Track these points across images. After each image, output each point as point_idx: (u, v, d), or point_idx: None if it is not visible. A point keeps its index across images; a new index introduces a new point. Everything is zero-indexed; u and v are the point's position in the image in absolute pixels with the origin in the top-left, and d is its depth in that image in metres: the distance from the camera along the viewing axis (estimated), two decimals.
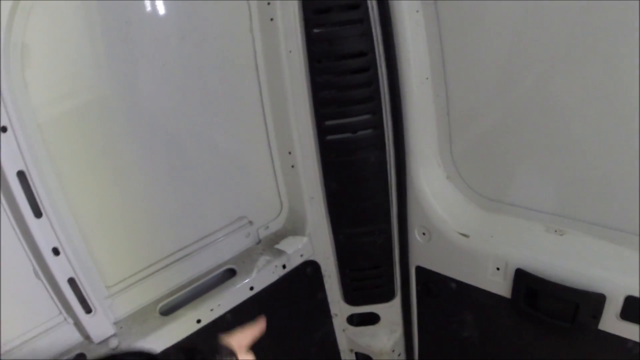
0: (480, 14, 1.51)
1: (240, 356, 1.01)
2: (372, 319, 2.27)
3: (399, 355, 2.36)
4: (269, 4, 1.62)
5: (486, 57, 1.57)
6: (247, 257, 1.86)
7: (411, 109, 1.69)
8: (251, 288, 1.79)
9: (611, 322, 1.55)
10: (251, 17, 1.65)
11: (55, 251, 1.29)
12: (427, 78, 1.67)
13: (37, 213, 1.25)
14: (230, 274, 1.82)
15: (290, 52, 1.66)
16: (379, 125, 1.75)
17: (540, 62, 1.47)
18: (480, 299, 1.83)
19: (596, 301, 1.53)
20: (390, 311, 2.19)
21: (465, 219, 1.80)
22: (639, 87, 1.30)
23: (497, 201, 1.77)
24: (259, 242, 1.92)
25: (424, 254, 1.93)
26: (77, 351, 1.46)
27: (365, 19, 1.59)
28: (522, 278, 1.66)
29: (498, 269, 1.72)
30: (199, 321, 1.66)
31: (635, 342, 1.54)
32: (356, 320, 2.31)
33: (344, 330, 2.31)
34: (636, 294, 1.47)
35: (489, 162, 1.74)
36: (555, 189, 1.66)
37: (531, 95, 1.53)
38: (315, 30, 1.62)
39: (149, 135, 1.55)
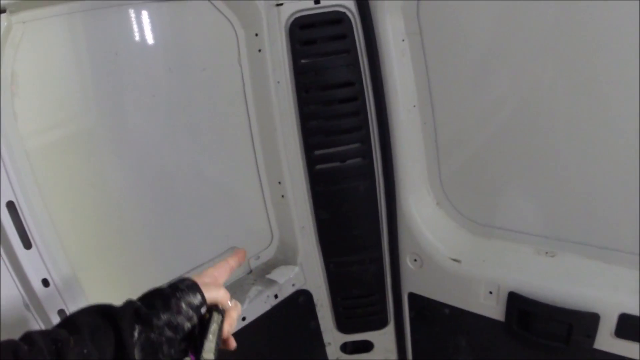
0: (465, 44, 1.55)
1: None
2: (365, 347, 2.25)
3: None
4: (256, 35, 1.64)
5: (472, 85, 1.60)
6: (239, 288, 1.84)
7: (399, 137, 1.72)
8: (243, 319, 1.77)
9: (606, 341, 1.55)
10: (239, 49, 1.68)
11: (45, 282, 1.27)
12: (414, 106, 1.70)
13: (27, 244, 1.23)
14: None
15: (278, 82, 1.68)
16: (367, 154, 1.76)
17: (523, 88, 1.50)
18: (474, 324, 1.82)
19: (590, 321, 1.54)
20: (383, 338, 2.17)
21: (456, 245, 1.81)
22: (625, 109, 1.33)
23: (487, 226, 1.78)
24: (250, 272, 1.91)
25: (416, 280, 1.93)
26: None
27: (351, 49, 1.62)
28: (515, 301, 1.67)
29: (491, 292, 1.72)
30: None
31: (624, 357, 1.55)
32: (350, 349, 2.28)
33: (337, 359, 2.29)
34: (629, 312, 1.48)
35: (477, 187, 1.76)
36: (544, 211, 1.67)
37: (516, 120, 1.56)
38: (303, 61, 1.65)
39: (137, 167, 1.55)
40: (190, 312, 0.86)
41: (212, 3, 1.59)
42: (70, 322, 0.80)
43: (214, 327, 0.87)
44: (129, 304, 0.85)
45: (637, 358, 1.55)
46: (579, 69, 1.38)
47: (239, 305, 0.98)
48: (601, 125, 1.41)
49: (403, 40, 1.61)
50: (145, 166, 1.57)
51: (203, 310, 0.88)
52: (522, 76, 1.49)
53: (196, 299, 0.87)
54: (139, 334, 0.81)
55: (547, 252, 1.68)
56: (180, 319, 0.85)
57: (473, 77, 1.59)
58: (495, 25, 1.47)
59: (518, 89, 1.52)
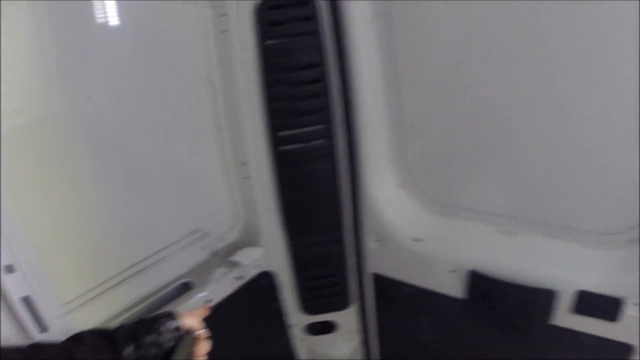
0: (432, 26, 1.56)
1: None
2: (330, 328, 2.28)
3: None
4: (223, 15, 1.62)
5: (438, 67, 1.63)
6: (203, 270, 1.84)
7: (363, 119, 1.73)
8: (208, 301, 1.77)
9: (564, 317, 1.62)
10: (206, 29, 1.66)
11: (10, 268, 1.24)
12: (379, 88, 1.71)
13: None
14: (186, 288, 1.80)
15: (244, 63, 1.66)
16: (331, 135, 1.77)
17: (488, 72, 1.53)
18: (437, 303, 1.87)
19: (548, 297, 1.61)
20: (347, 319, 2.21)
21: (418, 225, 1.85)
22: (581, 89, 1.39)
23: (450, 206, 1.82)
24: (215, 254, 1.90)
25: (379, 260, 1.96)
26: None
27: (318, 31, 1.62)
28: (476, 279, 1.72)
29: (453, 271, 1.77)
30: None
31: (588, 335, 1.62)
32: (314, 330, 2.31)
33: (302, 340, 2.31)
34: (587, 288, 1.55)
35: (441, 168, 1.80)
36: (506, 191, 1.73)
37: (479, 102, 1.60)
38: (269, 42, 1.64)
39: (102, 148, 1.52)
40: (169, 335, 1.06)
41: None
42: (75, 338, 0.97)
43: (185, 348, 1.08)
44: (122, 326, 1.04)
45: (594, 334, 1.62)
46: (539, 58, 1.42)
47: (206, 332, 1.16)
48: (559, 107, 1.46)
49: (370, 23, 1.61)
50: (110, 147, 1.54)
51: (178, 333, 1.08)
52: (489, 62, 1.52)
53: (173, 324, 1.07)
54: (132, 350, 0.99)
55: (508, 231, 1.74)
56: (162, 339, 1.04)
57: (441, 60, 1.61)
58: (465, 8, 1.48)
59: (484, 74, 1.55)
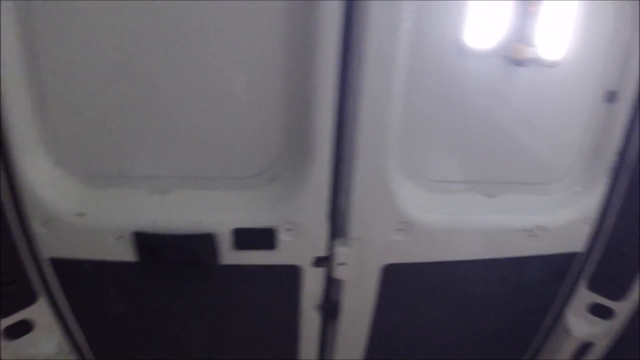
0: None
1: None
2: (28, 328, 2.15)
3: (69, 353, 2.29)
4: None
5: (81, 42, 1.63)
6: None
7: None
8: None
9: (228, 255, 1.80)
10: None
11: None
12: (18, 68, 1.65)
13: None
14: None
15: None
16: None
17: (130, 47, 1.62)
18: (114, 271, 1.91)
19: (209, 240, 1.75)
20: (40, 313, 2.10)
21: (79, 200, 1.84)
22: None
23: (107, 176, 1.86)
24: None
25: (51, 243, 1.91)
26: None
27: None
28: (142, 239, 1.79)
29: (120, 237, 1.80)
30: None
31: (256, 266, 1.81)
32: (14, 334, 2.16)
33: (5, 347, 2.15)
34: (240, 225, 1.74)
35: (93, 141, 1.81)
36: (156, 154, 1.81)
37: (126, 73, 1.67)
38: None
39: None
40: None
41: None
42: None
43: None
44: None
45: (261, 263, 1.79)
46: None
47: None
48: (195, 67, 1.64)
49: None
50: None
51: None
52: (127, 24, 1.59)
53: None
54: None
55: (162, 190, 1.81)
56: None
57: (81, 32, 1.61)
58: None
59: (126, 48, 1.62)
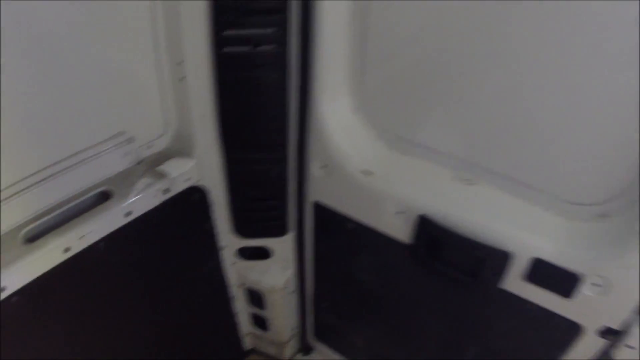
0: None
1: None
2: (263, 254, 2.14)
3: (291, 292, 2.27)
4: None
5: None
6: (125, 179, 1.63)
7: (324, 30, 1.50)
8: (128, 214, 1.59)
9: (514, 283, 1.50)
10: None
11: None
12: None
13: None
14: (104, 197, 1.60)
15: None
16: (284, 42, 1.54)
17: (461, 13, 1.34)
18: (379, 242, 1.74)
19: (502, 259, 1.47)
20: (283, 247, 2.07)
21: (370, 156, 1.68)
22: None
23: (407, 141, 1.65)
24: (140, 162, 1.69)
25: (323, 189, 1.80)
26: None
27: None
28: (425, 225, 1.57)
29: (401, 212, 1.62)
30: (67, 250, 1.44)
31: (536, 305, 1.50)
32: (247, 254, 2.16)
33: (233, 264, 2.17)
34: (544, 257, 1.41)
35: (401, 98, 1.61)
36: (468, 134, 1.54)
37: (450, 40, 1.40)
38: None
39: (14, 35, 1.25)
40: None
41: None
42: None
43: None
44: None
45: (544, 306, 1.50)
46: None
47: None
48: (530, 57, 1.29)
49: None
50: (25, 35, 1.27)
51: None
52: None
53: None
54: None
55: (466, 179, 1.58)
56: None
57: None
58: None
59: (456, 13, 1.35)
